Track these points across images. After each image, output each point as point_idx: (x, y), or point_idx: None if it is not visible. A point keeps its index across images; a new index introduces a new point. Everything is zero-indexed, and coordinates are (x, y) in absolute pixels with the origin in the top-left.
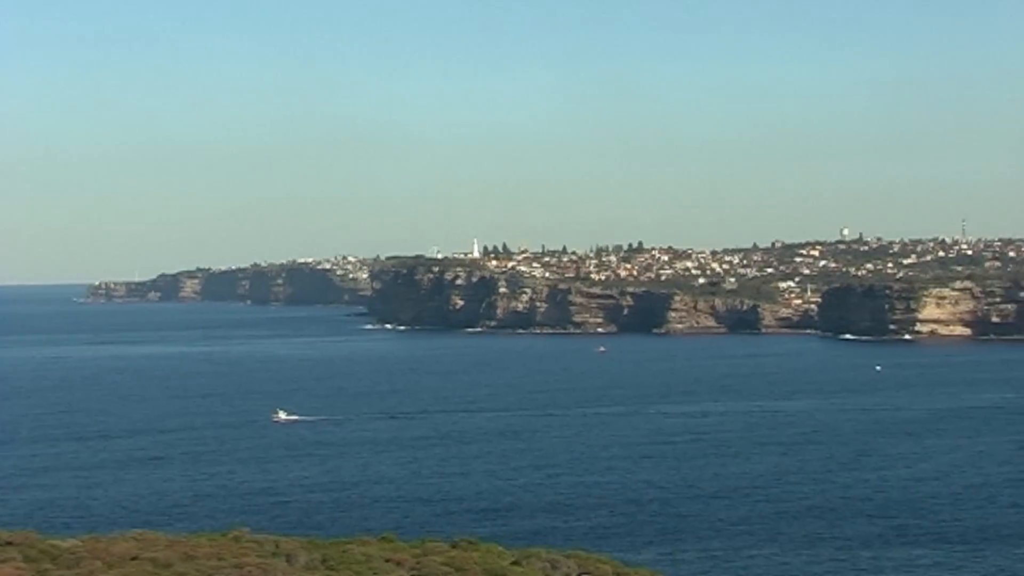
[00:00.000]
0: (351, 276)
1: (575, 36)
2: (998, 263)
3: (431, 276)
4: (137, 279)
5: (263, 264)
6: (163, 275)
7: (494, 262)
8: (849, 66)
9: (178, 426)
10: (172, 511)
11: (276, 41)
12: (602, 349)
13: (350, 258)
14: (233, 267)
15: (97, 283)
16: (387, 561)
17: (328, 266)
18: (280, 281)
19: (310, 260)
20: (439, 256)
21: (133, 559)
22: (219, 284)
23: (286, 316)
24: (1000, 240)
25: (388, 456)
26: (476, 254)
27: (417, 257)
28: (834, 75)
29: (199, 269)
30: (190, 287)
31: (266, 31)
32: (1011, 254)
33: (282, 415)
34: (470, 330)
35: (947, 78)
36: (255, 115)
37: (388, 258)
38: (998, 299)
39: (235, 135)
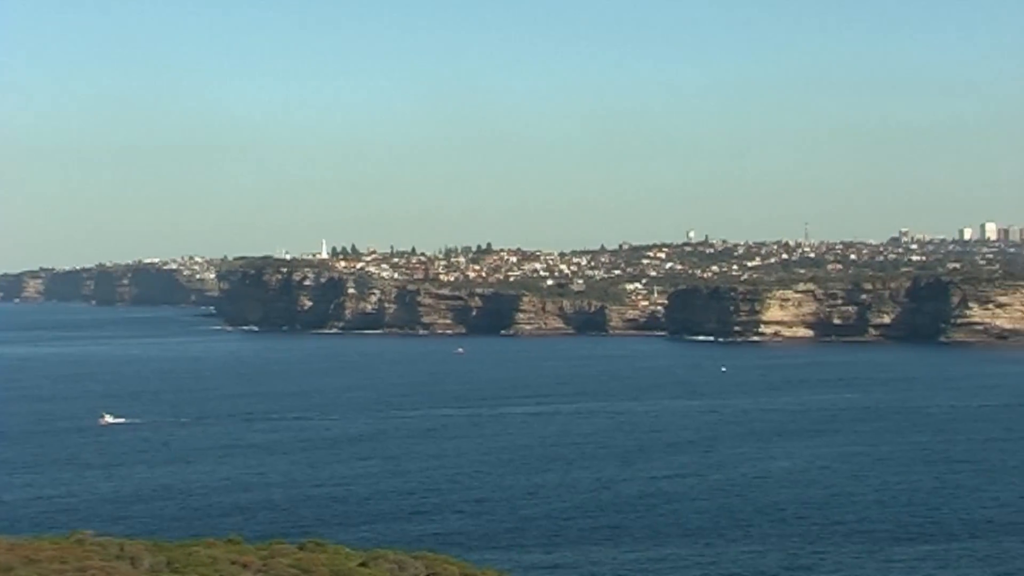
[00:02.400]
0: (198, 277)
1: (422, 39)
2: (839, 266)
3: (279, 277)
4: None
5: (108, 264)
6: (5, 275)
7: (343, 263)
8: (693, 68)
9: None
10: None
11: (124, 39)
12: (460, 350)
13: (197, 258)
14: (78, 267)
15: None
16: (233, 563)
17: (175, 266)
18: (126, 281)
19: (156, 260)
20: (287, 257)
21: None
22: (63, 284)
23: (132, 317)
24: (841, 243)
25: (232, 460)
26: (324, 255)
27: (265, 258)
28: (678, 77)
29: (42, 269)
30: (33, 287)
31: (117, 28)
32: (852, 257)
33: (108, 418)
34: (318, 331)
35: (790, 81)
36: (102, 114)
37: (236, 259)
38: (839, 301)
39: (80, 133)
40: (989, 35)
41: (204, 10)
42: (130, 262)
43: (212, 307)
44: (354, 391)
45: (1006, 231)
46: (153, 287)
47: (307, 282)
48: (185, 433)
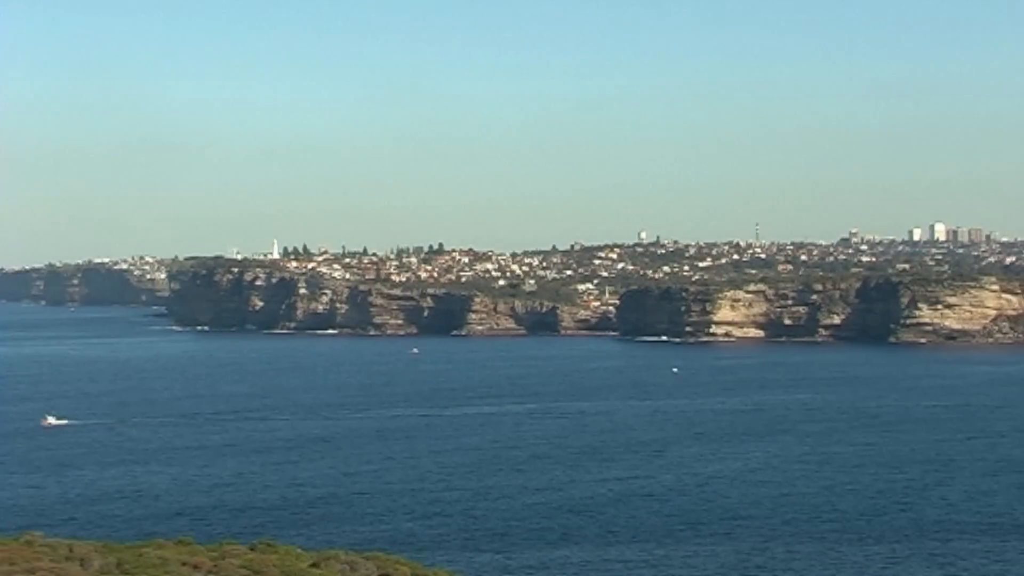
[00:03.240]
0: (149, 277)
1: (373, 39)
2: (790, 266)
3: (230, 277)
4: None
5: (58, 264)
6: None
7: (294, 263)
8: (645, 70)
9: None
10: None
11: (73, 38)
12: (415, 351)
13: (148, 258)
14: (27, 267)
15: None
16: (184, 564)
17: (125, 267)
18: (76, 281)
19: (107, 260)
20: (238, 257)
21: None
22: (12, 284)
23: (82, 317)
24: (792, 244)
25: (181, 461)
26: (276, 255)
27: (216, 258)
28: (631, 78)
29: None
30: None
31: (64, 28)
32: (802, 257)
33: (51, 420)
34: (269, 331)
35: (741, 82)
36: (51, 113)
37: (187, 259)
38: (790, 301)
39: (29, 133)
40: (932, 37)
41: (156, 10)
42: (80, 262)
43: (163, 307)
44: (308, 392)
45: (955, 232)
46: (103, 287)
47: (258, 282)
48: (135, 434)
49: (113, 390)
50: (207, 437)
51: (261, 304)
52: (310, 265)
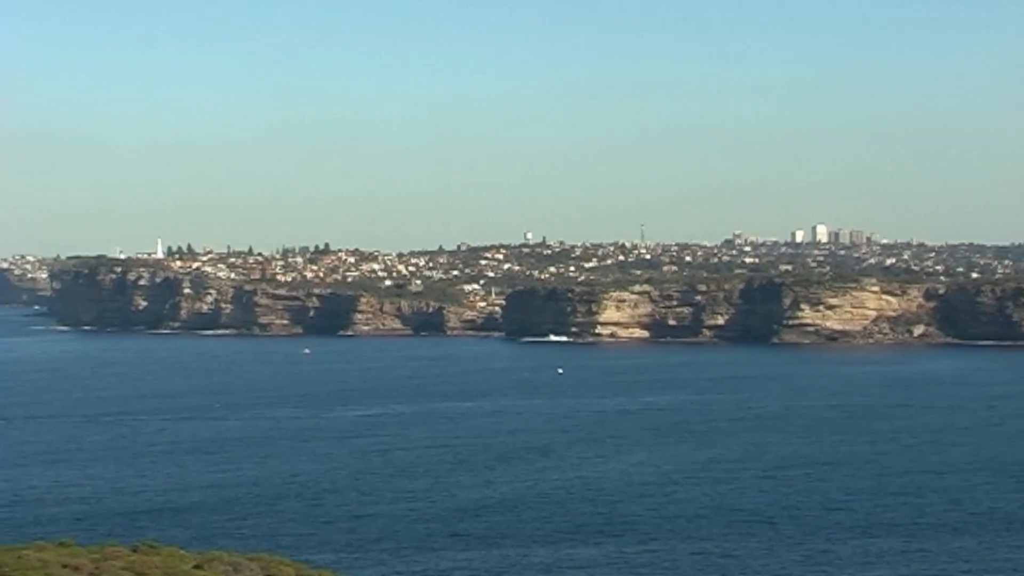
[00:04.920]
0: (30, 276)
1: (257, 36)
2: (675, 267)
3: (113, 276)
4: None
5: None
6: None
7: (178, 263)
8: (529, 69)
9: None
10: None
11: None
12: (307, 351)
13: (29, 257)
14: None
15: None
16: (65, 567)
17: (6, 265)
18: None
19: None
20: (122, 256)
21: None
22: None
23: None
24: (677, 245)
25: (60, 462)
26: (160, 254)
27: (99, 257)
28: (515, 78)
29: None
30: None
31: None
32: (687, 259)
33: None
34: (153, 331)
35: (624, 83)
36: None
37: (69, 258)
38: (675, 302)
39: None
40: (815, 39)
41: (36, 5)
42: None
43: (44, 307)
44: (195, 393)
45: (836, 234)
46: None
47: (142, 282)
48: (14, 435)
49: None
50: (89, 438)
51: (145, 304)
52: (194, 265)
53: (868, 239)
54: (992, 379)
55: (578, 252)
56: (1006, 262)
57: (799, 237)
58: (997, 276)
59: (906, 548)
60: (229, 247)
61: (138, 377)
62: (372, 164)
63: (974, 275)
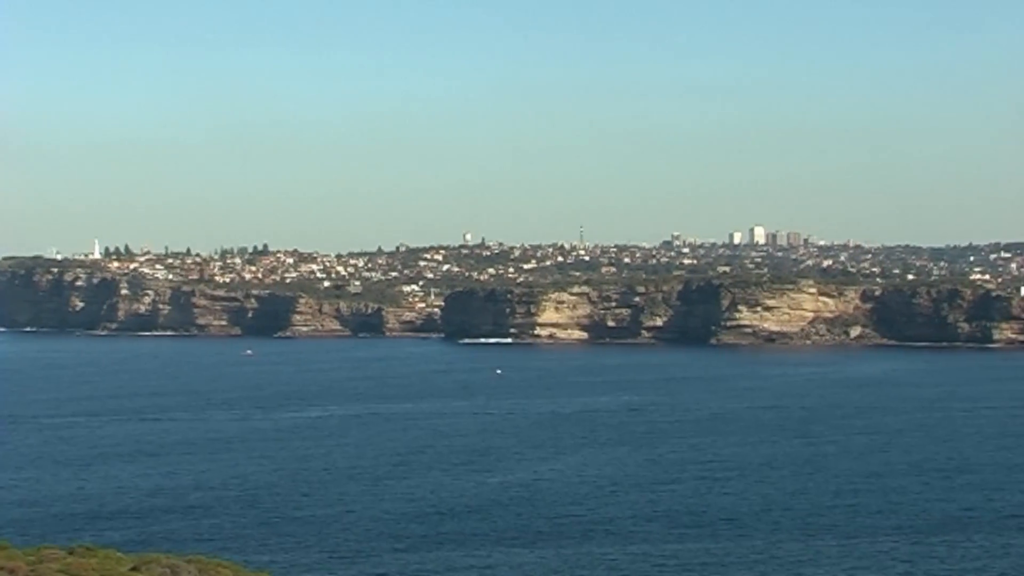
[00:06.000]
0: None
1: (195, 37)
2: (614, 268)
3: (50, 277)
4: None
5: None
6: None
7: (116, 263)
8: (468, 69)
9: None
10: None
11: None
12: (249, 352)
13: None
14: None
15: None
16: (0, 569)
17: None
18: None
19: None
20: (58, 257)
21: None
22: None
23: None
24: (616, 246)
25: None
26: (97, 255)
27: (35, 258)
28: (453, 77)
29: None
30: None
31: None
32: (626, 260)
33: None
34: (90, 332)
35: (561, 84)
36: None
37: (5, 259)
38: (613, 304)
39: None
40: (751, 40)
41: None
42: None
43: None
44: (134, 394)
45: (774, 235)
46: None
47: (79, 283)
48: None
49: None
50: (24, 441)
51: (82, 305)
52: (132, 265)
53: (805, 241)
54: (926, 380)
55: (517, 253)
56: (941, 264)
57: (737, 239)
58: (933, 278)
59: (843, 548)
60: (167, 248)
61: (75, 379)
62: (311, 165)
63: (910, 277)
